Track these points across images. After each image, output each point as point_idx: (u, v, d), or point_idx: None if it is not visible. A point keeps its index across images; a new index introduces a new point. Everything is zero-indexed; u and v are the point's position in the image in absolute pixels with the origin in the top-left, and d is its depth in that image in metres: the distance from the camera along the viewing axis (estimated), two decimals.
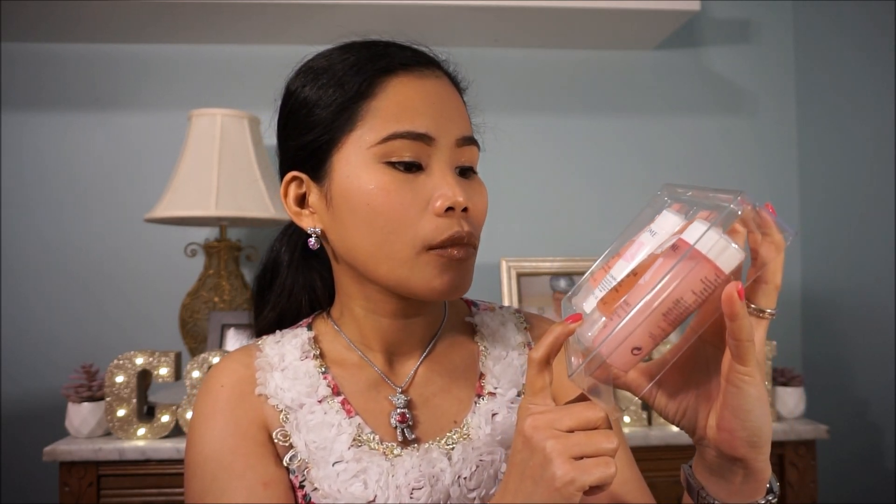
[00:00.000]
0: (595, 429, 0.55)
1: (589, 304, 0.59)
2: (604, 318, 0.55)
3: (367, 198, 0.69)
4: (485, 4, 1.76)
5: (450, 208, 0.69)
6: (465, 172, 0.73)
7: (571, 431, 0.55)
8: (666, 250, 0.52)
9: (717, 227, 0.49)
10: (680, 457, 1.52)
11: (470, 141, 0.73)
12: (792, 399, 1.63)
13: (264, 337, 0.81)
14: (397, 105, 0.70)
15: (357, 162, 0.70)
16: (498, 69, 2.04)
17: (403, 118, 0.69)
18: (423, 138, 0.69)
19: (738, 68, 2.10)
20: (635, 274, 0.54)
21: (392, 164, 0.69)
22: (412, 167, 0.69)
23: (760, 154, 2.08)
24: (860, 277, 1.80)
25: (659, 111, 2.07)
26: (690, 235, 0.50)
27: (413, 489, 0.70)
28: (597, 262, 0.63)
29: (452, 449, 0.73)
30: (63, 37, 1.90)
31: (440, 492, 0.70)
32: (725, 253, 0.49)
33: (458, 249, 0.69)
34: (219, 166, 1.65)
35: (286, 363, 0.76)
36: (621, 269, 0.57)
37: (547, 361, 0.59)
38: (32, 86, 1.93)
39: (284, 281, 0.87)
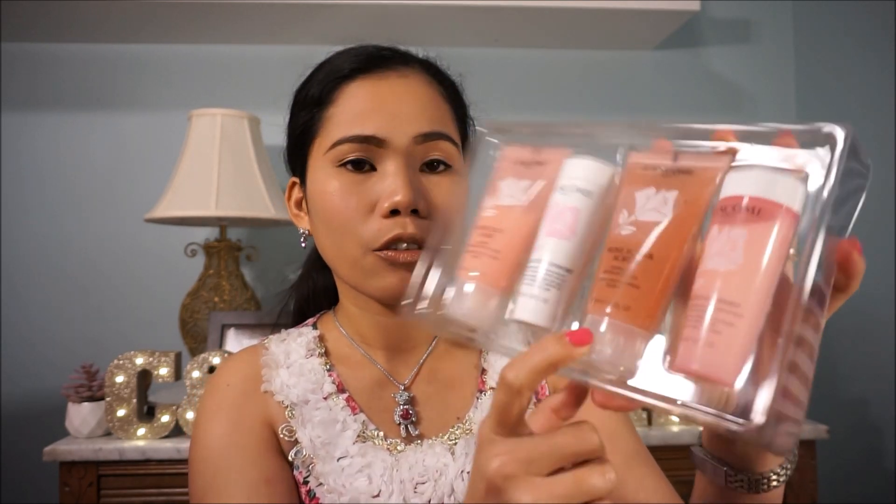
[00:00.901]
0: (586, 462, 0.43)
1: (531, 312, 0.45)
2: (626, 330, 0.42)
3: (322, 201, 0.73)
4: (485, 4, 1.76)
5: (395, 210, 0.70)
6: (435, 167, 0.74)
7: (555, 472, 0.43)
8: (717, 214, 0.40)
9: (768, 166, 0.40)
10: (680, 456, 1.51)
11: (434, 136, 0.73)
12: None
13: (270, 336, 0.82)
14: (349, 110, 0.73)
15: (318, 167, 0.74)
16: (498, 69, 2.05)
17: (353, 122, 0.72)
18: (372, 140, 0.71)
19: (738, 68, 2.10)
20: (651, 256, 0.42)
21: (344, 167, 0.72)
22: (362, 167, 0.72)
23: None
24: (864, 277, 1.79)
25: (659, 111, 2.07)
26: (759, 186, 0.39)
27: (417, 484, 0.71)
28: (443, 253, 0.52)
29: (455, 444, 0.74)
30: (63, 37, 1.90)
31: (444, 486, 0.71)
32: (798, 193, 0.39)
33: (403, 253, 0.70)
34: (219, 166, 1.64)
35: (291, 360, 0.77)
36: (568, 251, 0.45)
37: (530, 388, 0.42)
38: (32, 86, 1.93)
39: (315, 281, 0.90)
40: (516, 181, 0.51)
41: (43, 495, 1.79)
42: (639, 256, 0.42)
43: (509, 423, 0.44)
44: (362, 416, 0.74)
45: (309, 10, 1.77)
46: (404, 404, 0.75)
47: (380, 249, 0.70)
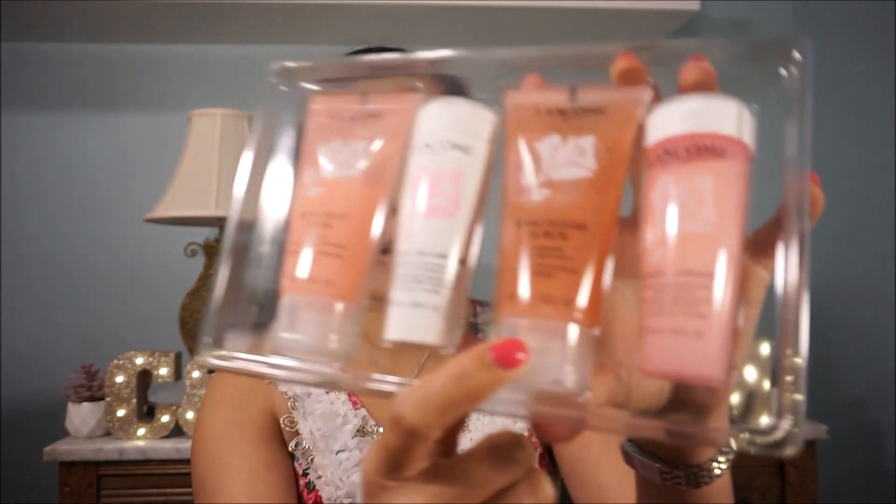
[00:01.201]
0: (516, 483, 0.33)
1: (419, 327, 0.33)
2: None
3: None
4: (485, 4, 1.74)
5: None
6: None
7: None
8: (658, 160, 0.31)
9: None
10: None
11: None
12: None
13: None
14: None
15: None
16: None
17: None
18: None
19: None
20: (584, 227, 0.31)
21: None
22: None
23: (760, 154, 2.05)
24: (860, 276, 1.77)
25: None
26: (710, 119, 0.30)
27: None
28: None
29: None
30: (63, 37, 1.88)
31: None
32: (751, 125, 0.31)
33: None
34: (219, 166, 1.63)
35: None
36: (456, 233, 0.34)
37: (431, 430, 0.30)
38: (32, 86, 1.92)
39: None
40: (342, 143, 0.38)
41: (43, 495, 1.76)
42: (568, 229, 0.31)
43: (405, 469, 0.32)
44: (363, 412, 0.73)
45: (309, 11, 1.74)
46: None
47: (384, 251, 0.67)
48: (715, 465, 0.44)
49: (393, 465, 0.32)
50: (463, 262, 0.34)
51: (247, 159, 0.39)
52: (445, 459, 0.33)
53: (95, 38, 1.90)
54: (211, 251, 1.76)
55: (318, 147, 0.38)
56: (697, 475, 0.43)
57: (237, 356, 0.37)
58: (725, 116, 0.30)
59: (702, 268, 0.29)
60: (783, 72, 0.31)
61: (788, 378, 0.28)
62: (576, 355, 0.31)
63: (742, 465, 1.53)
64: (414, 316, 0.33)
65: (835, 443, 1.68)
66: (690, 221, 0.30)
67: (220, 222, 1.73)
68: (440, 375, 0.30)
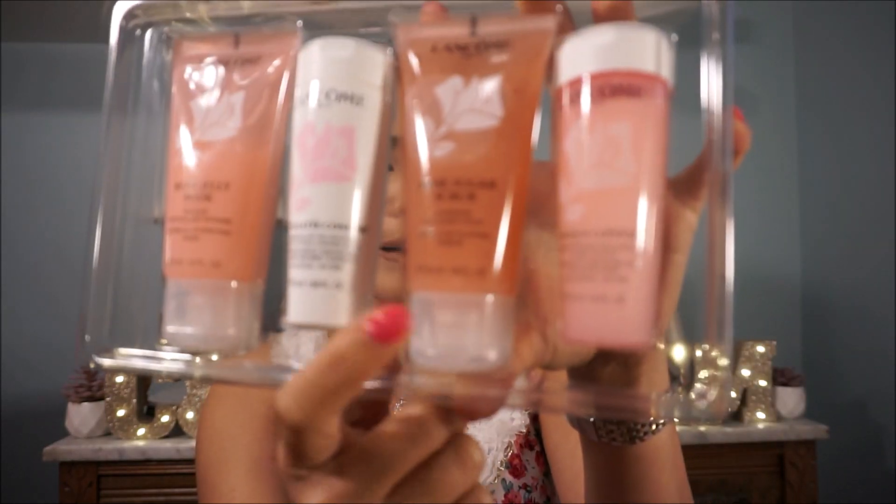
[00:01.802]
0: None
1: (318, 308, 0.29)
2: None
3: None
4: (483, 5, 1.72)
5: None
6: None
7: None
8: (568, 102, 0.27)
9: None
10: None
11: None
12: (792, 399, 1.59)
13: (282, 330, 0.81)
14: None
15: None
16: None
17: None
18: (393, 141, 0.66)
19: (738, 68, 2.03)
20: (493, 184, 0.27)
21: None
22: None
23: (760, 154, 2.02)
24: (861, 277, 1.74)
25: None
26: (624, 53, 0.26)
27: None
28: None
29: None
30: (63, 37, 1.86)
31: None
32: (669, 56, 0.28)
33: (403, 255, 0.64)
34: None
35: (301, 354, 0.77)
36: (353, 197, 0.29)
37: (311, 423, 0.27)
38: (32, 86, 1.91)
39: None
40: (215, 97, 0.32)
41: (42, 495, 1.75)
42: (476, 188, 0.27)
43: (308, 459, 0.29)
44: None
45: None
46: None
47: (384, 249, 0.65)
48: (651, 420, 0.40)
49: (296, 456, 0.29)
50: (365, 230, 0.30)
51: (104, 121, 0.34)
52: (358, 439, 0.30)
53: (95, 38, 1.88)
54: None
55: (188, 103, 0.33)
56: (633, 430, 0.40)
57: (127, 353, 0.33)
58: (642, 49, 0.27)
59: (622, 226, 0.25)
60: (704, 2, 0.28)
61: (714, 352, 0.25)
62: (494, 327, 0.28)
63: (742, 465, 1.52)
64: (315, 296, 0.29)
65: (835, 443, 1.67)
66: (607, 174, 0.26)
67: None
68: (315, 362, 0.27)
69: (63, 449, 1.40)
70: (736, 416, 1.56)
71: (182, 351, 0.32)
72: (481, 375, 0.28)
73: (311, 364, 0.27)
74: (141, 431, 1.44)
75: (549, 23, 0.28)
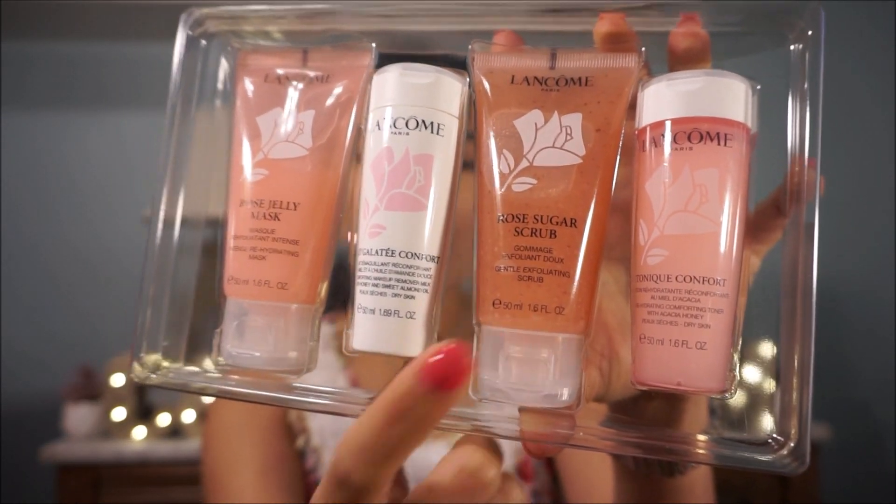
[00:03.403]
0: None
1: (390, 337, 0.29)
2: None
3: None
4: (484, 5, 1.72)
5: None
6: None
7: None
8: (652, 144, 0.27)
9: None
10: None
11: None
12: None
13: None
14: None
15: None
16: None
17: None
18: None
19: None
20: (573, 223, 0.27)
21: None
22: None
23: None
24: (864, 278, 1.75)
25: None
26: (710, 100, 0.26)
27: (420, 480, 0.67)
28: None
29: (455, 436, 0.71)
30: (63, 36, 1.85)
31: None
32: (753, 107, 0.28)
33: None
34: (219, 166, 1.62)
35: None
36: (428, 227, 0.29)
37: (371, 482, 0.25)
38: (32, 85, 1.89)
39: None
40: (283, 113, 0.31)
41: (40, 496, 1.74)
42: (556, 226, 0.27)
43: None
44: None
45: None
46: None
47: None
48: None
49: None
50: (437, 259, 0.29)
51: (167, 133, 0.34)
52: (403, 494, 0.29)
53: (94, 37, 1.87)
54: (212, 251, 1.74)
55: (255, 118, 0.32)
56: (672, 465, 0.39)
57: (182, 371, 0.33)
58: (731, 98, 0.26)
59: (707, 273, 0.26)
60: (792, 47, 0.28)
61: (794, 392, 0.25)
62: (568, 365, 0.28)
63: None
64: (386, 325, 0.28)
65: (837, 444, 1.67)
66: (692, 220, 0.26)
67: (218, 221, 1.71)
68: (374, 416, 0.25)
69: (61, 450, 1.39)
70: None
71: (243, 371, 0.32)
72: (550, 412, 0.28)
73: (371, 418, 0.25)
74: (139, 432, 1.43)
75: (631, 62, 0.28)
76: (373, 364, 0.75)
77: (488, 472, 0.27)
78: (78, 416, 1.44)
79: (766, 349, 0.28)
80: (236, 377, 0.32)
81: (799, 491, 1.53)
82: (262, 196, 0.31)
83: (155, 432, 1.43)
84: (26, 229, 1.87)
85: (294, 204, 0.31)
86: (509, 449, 0.74)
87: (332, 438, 0.71)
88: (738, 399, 0.31)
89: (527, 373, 0.27)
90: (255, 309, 0.31)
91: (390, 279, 0.28)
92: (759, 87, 0.27)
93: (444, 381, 0.24)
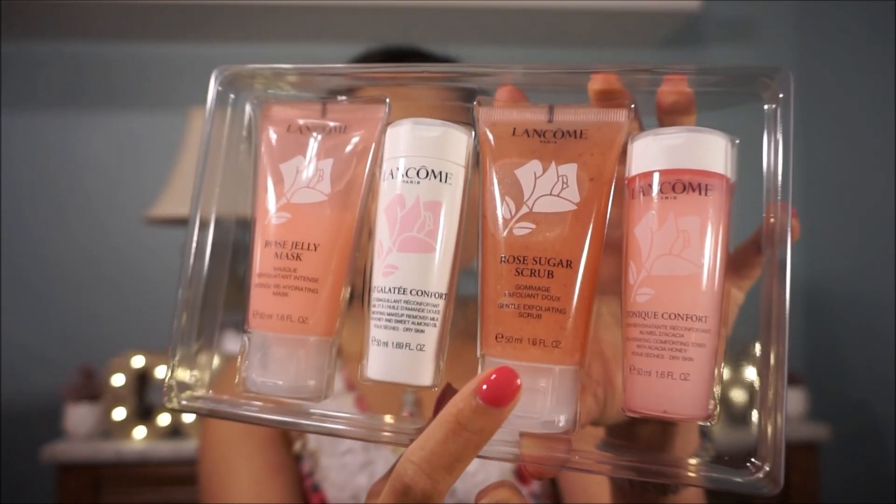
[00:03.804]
0: None
1: (405, 367, 0.32)
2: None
3: None
4: (485, 5, 1.72)
5: None
6: None
7: None
8: (640, 193, 0.30)
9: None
10: None
11: None
12: (794, 400, 1.58)
13: None
14: None
15: None
16: None
17: None
18: None
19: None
20: (569, 264, 0.30)
21: None
22: None
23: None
24: (863, 277, 1.76)
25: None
26: (694, 154, 0.29)
27: None
28: None
29: None
30: (62, 35, 1.86)
31: None
32: (733, 159, 0.31)
33: None
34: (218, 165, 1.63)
35: None
36: (437, 267, 0.32)
37: (439, 493, 0.29)
38: (32, 85, 1.89)
39: None
40: (304, 161, 0.35)
41: (40, 496, 1.74)
42: (553, 267, 0.30)
43: None
44: (369, 415, 0.74)
45: (309, 11, 1.73)
46: (411, 406, 0.74)
47: None
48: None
49: None
50: (444, 297, 0.32)
51: (196, 178, 0.36)
52: None
53: (95, 36, 1.87)
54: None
55: (279, 165, 0.35)
56: (666, 485, 0.42)
57: (209, 398, 0.35)
58: (711, 152, 0.30)
59: (690, 311, 0.29)
60: (766, 106, 0.30)
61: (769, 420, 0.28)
62: (565, 394, 0.31)
63: None
64: (398, 356, 0.32)
65: (837, 444, 1.67)
66: (676, 262, 0.29)
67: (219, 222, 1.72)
68: (437, 431, 0.29)
69: (61, 450, 1.39)
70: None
71: (266, 398, 0.34)
72: (548, 437, 0.31)
73: (434, 430, 0.29)
74: (139, 432, 1.43)
75: (621, 116, 0.31)
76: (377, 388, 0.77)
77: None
78: (78, 416, 1.44)
79: (749, 377, 0.32)
80: (259, 403, 0.35)
81: (799, 491, 1.53)
82: (286, 237, 0.34)
83: (155, 432, 1.44)
84: (26, 229, 1.88)
85: (314, 245, 0.34)
86: None
87: (328, 443, 0.72)
88: (720, 425, 0.34)
89: (527, 401, 0.30)
90: (278, 341, 0.34)
91: (402, 315, 0.32)
92: (737, 140, 0.30)
93: (499, 397, 0.28)
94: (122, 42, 1.92)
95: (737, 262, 0.34)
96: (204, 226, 0.36)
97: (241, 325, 0.36)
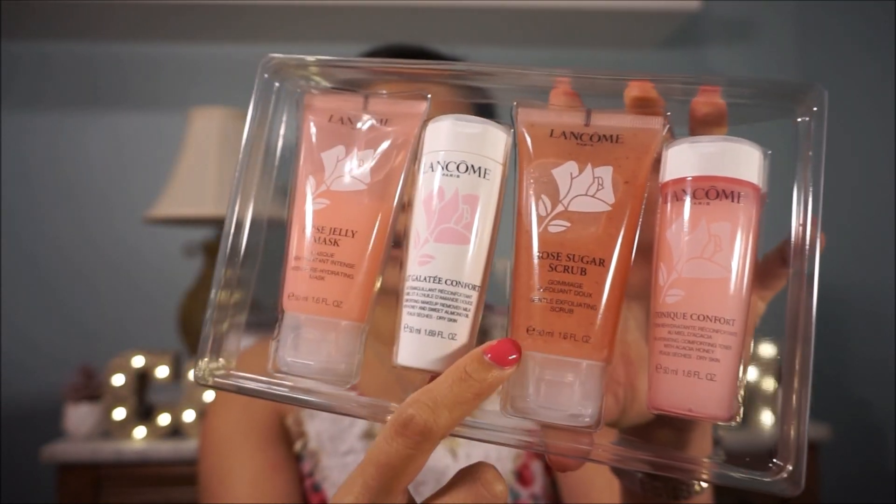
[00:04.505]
0: None
1: (437, 354, 0.33)
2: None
3: None
4: (485, 5, 1.72)
5: None
6: None
7: None
8: (675, 197, 0.31)
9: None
10: None
11: None
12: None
13: None
14: None
15: None
16: None
17: None
18: None
19: (740, 68, 2.05)
20: (602, 262, 0.31)
21: None
22: None
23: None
24: (863, 277, 1.77)
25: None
26: (727, 162, 0.30)
27: (418, 484, 0.69)
28: None
29: (458, 447, 0.73)
30: (63, 36, 1.86)
31: None
32: (764, 170, 0.32)
33: None
34: (218, 165, 1.63)
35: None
36: (471, 259, 0.33)
37: (446, 430, 0.31)
38: (31, 85, 1.90)
39: None
40: (344, 151, 0.36)
41: (40, 496, 1.74)
42: (586, 264, 0.31)
43: (396, 489, 0.31)
44: None
45: (309, 11, 1.74)
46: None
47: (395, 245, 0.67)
48: (695, 480, 0.44)
49: (381, 485, 0.31)
50: (477, 288, 0.34)
51: (242, 161, 0.37)
52: None
53: (94, 36, 1.88)
54: (211, 251, 1.75)
55: (319, 154, 0.36)
56: (678, 488, 0.44)
57: (240, 375, 0.36)
58: (746, 162, 0.31)
59: (718, 313, 0.30)
60: (799, 119, 0.32)
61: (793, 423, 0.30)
62: (592, 389, 0.32)
63: None
64: (430, 344, 0.33)
65: (837, 444, 1.68)
66: (707, 266, 0.30)
67: (218, 221, 1.72)
68: (445, 378, 0.31)
69: (61, 450, 1.39)
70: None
71: (295, 379, 0.35)
72: (572, 430, 0.32)
73: (441, 380, 0.31)
74: (139, 432, 1.44)
75: (657, 124, 0.33)
76: (367, 365, 0.77)
77: (497, 486, 0.32)
78: (78, 416, 1.44)
79: (770, 382, 0.33)
80: (289, 384, 0.36)
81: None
82: (324, 223, 0.35)
83: (155, 432, 1.44)
84: (26, 229, 1.88)
85: (352, 231, 0.35)
86: (510, 454, 0.77)
87: (329, 443, 0.72)
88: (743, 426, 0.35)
89: (555, 393, 0.31)
90: (312, 323, 0.35)
91: (436, 303, 0.33)
92: (769, 152, 0.32)
93: (502, 357, 0.31)
94: (123, 42, 1.92)
95: (762, 272, 0.35)
96: (240, 225, 0.37)
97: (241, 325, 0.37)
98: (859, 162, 1.79)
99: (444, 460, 0.71)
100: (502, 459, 0.75)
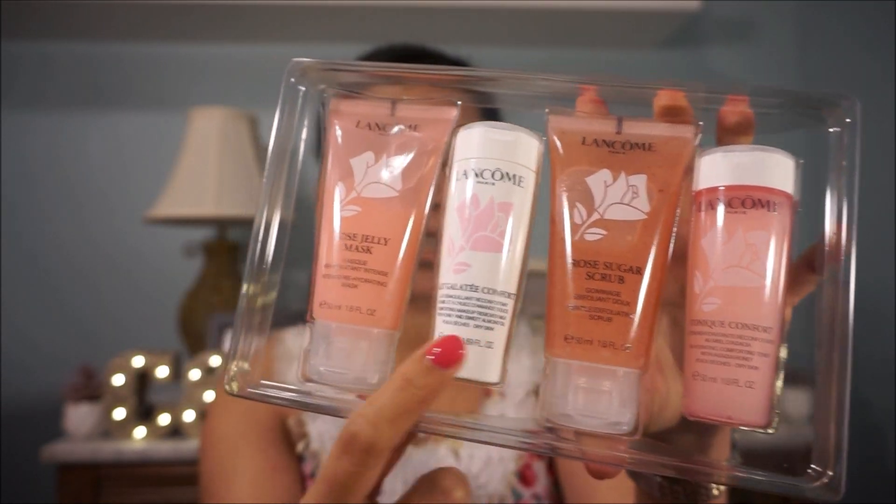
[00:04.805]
0: None
1: (475, 364, 0.32)
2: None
3: None
4: (485, 5, 1.72)
5: None
6: None
7: None
8: (709, 206, 0.31)
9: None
10: None
11: None
12: (797, 400, 1.58)
13: (287, 328, 0.81)
14: None
15: None
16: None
17: None
18: None
19: (740, 69, 2.07)
20: (639, 271, 0.31)
21: None
22: None
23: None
24: (864, 278, 1.78)
25: None
26: (760, 172, 0.31)
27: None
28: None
29: (460, 447, 0.73)
30: (63, 36, 1.86)
31: None
32: (796, 179, 0.32)
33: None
34: (218, 165, 1.63)
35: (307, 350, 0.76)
36: (506, 267, 0.33)
37: (386, 446, 0.31)
38: (31, 85, 1.89)
39: None
40: (374, 157, 0.36)
41: (40, 496, 1.74)
42: (625, 273, 0.32)
43: (357, 493, 0.31)
44: None
45: (308, 11, 1.74)
46: None
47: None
48: (713, 484, 0.44)
49: (339, 499, 0.31)
50: (513, 296, 0.34)
51: (269, 167, 0.37)
52: None
53: (94, 36, 1.87)
54: (210, 251, 1.75)
55: (349, 159, 0.36)
56: (696, 492, 0.44)
57: (270, 385, 0.36)
58: (780, 171, 0.31)
59: (756, 321, 0.30)
60: (831, 129, 0.32)
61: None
62: (630, 397, 0.32)
63: None
64: (467, 352, 0.33)
65: None
66: (744, 274, 0.31)
67: (218, 222, 1.72)
68: (388, 387, 0.31)
69: (61, 450, 1.39)
70: None
71: (327, 387, 0.35)
72: (609, 437, 0.32)
73: (382, 390, 0.31)
74: (139, 432, 1.43)
75: (688, 132, 0.33)
76: None
77: (456, 492, 0.33)
78: (78, 416, 1.44)
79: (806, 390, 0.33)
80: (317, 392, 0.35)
81: None
82: (356, 230, 0.35)
83: (155, 432, 1.44)
84: (26, 229, 1.88)
85: (385, 239, 0.35)
86: (512, 455, 0.76)
87: (331, 443, 0.71)
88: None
89: (594, 402, 0.32)
90: (345, 332, 0.35)
91: (473, 312, 0.33)
92: (801, 161, 0.32)
93: (443, 360, 0.31)
94: (123, 42, 1.92)
95: (789, 279, 0.36)
96: (268, 224, 0.37)
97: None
98: (861, 160, 1.80)
99: (447, 461, 0.71)
100: (504, 460, 0.75)
